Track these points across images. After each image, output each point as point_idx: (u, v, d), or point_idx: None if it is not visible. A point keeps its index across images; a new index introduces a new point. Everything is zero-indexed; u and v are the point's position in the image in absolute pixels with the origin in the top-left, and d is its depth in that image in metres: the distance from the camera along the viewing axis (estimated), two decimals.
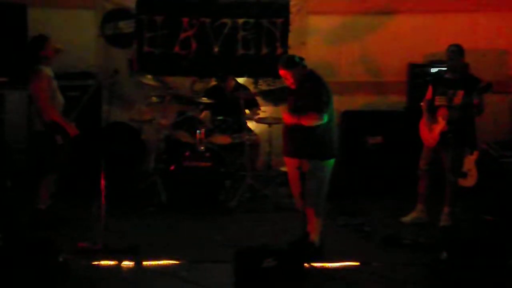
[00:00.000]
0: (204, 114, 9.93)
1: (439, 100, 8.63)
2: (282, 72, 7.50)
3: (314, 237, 7.61)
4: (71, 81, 9.81)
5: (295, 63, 7.47)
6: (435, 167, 8.79)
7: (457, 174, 8.50)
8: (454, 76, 8.62)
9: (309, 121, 7.34)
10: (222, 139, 9.79)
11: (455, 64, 8.62)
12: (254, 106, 10.45)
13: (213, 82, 10.89)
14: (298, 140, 7.51)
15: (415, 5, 10.93)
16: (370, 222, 8.85)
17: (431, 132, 8.66)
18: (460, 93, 8.44)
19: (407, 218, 8.93)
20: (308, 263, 7.03)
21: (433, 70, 10.17)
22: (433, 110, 8.67)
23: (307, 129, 7.39)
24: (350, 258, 7.51)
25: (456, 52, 8.58)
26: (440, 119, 8.53)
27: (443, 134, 8.49)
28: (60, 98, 8.50)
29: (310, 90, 7.44)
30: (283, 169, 7.82)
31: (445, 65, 8.93)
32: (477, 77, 8.59)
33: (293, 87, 7.55)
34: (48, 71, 8.38)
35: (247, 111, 10.09)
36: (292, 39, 10.97)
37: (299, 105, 7.45)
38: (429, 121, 8.68)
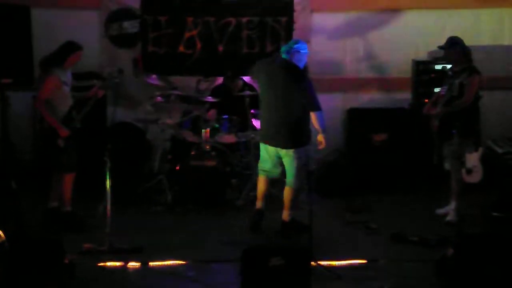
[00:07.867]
0: (212, 113, 9.91)
1: (442, 92, 8.66)
2: None
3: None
4: (78, 82, 9.80)
5: None
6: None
7: (459, 164, 8.46)
8: (456, 69, 8.64)
9: None
10: (227, 138, 9.78)
11: (448, 55, 8.70)
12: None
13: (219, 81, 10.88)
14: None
15: (419, 2, 10.95)
16: (377, 219, 8.85)
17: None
18: (457, 83, 8.45)
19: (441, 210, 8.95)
20: (315, 262, 7.02)
21: (438, 67, 10.17)
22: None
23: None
24: (357, 255, 7.54)
25: (447, 42, 8.62)
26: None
27: (444, 127, 8.47)
28: (69, 102, 8.45)
29: None
30: None
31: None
32: (477, 69, 8.57)
33: None
34: (61, 75, 8.34)
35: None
36: (296, 37, 10.95)
37: None
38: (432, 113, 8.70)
